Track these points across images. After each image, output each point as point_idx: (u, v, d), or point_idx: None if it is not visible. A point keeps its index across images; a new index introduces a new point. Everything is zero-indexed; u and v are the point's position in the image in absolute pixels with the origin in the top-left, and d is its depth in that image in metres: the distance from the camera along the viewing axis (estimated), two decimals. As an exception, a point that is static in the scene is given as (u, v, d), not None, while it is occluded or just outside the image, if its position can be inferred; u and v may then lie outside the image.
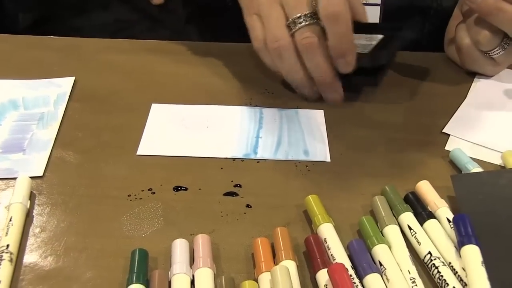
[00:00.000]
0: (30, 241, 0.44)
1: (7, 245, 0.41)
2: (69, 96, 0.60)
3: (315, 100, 0.59)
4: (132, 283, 0.39)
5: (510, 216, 0.44)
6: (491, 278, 0.38)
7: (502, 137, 0.55)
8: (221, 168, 0.51)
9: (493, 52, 0.59)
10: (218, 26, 0.80)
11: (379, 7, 0.69)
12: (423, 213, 0.44)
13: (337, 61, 0.55)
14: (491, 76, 0.64)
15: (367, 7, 0.68)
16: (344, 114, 0.59)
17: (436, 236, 0.43)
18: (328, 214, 0.44)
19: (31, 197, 0.47)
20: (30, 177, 0.48)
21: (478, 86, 0.63)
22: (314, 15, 0.54)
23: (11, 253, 0.41)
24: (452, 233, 0.42)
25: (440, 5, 0.73)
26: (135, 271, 0.39)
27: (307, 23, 0.54)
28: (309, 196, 0.46)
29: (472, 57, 0.62)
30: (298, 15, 0.54)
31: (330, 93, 0.58)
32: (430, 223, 0.44)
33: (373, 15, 0.69)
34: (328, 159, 0.52)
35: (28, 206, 0.46)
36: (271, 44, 0.55)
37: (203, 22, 0.81)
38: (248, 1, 0.59)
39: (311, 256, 0.41)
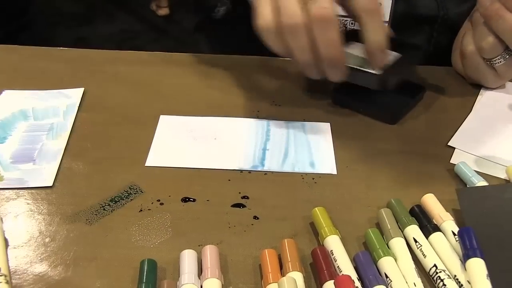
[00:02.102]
0: (40, 250, 0.44)
1: None
2: (79, 107, 0.60)
3: (321, 79, 0.57)
4: (141, 293, 0.39)
5: (514, 230, 0.44)
6: (496, 291, 0.38)
7: (507, 151, 0.55)
8: (229, 180, 0.52)
9: (495, 61, 0.61)
10: (226, 36, 0.80)
11: (386, 24, 0.69)
12: (429, 226, 0.45)
13: (371, 57, 0.55)
14: (496, 89, 0.65)
15: None
16: (350, 127, 0.59)
17: (442, 249, 0.43)
18: (335, 226, 0.45)
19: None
20: (40, 187, 0.49)
21: (484, 100, 0.64)
22: None
23: (5, 276, 0.41)
24: (457, 246, 0.43)
25: (446, 14, 0.74)
26: (144, 281, 0.40)
27: None
28: (316, 208, 0.46)
29: (475, 65, 0.63)
30: None
31: (336, 71, 0.56)
32: (435, 236, 0.44)
33: None
34: (335, 172, 0.53)
35: None
36: (287, 21, 0.52)
37: (211, 33, 0.82)
38: None
39: (318, 268, 0.41)
